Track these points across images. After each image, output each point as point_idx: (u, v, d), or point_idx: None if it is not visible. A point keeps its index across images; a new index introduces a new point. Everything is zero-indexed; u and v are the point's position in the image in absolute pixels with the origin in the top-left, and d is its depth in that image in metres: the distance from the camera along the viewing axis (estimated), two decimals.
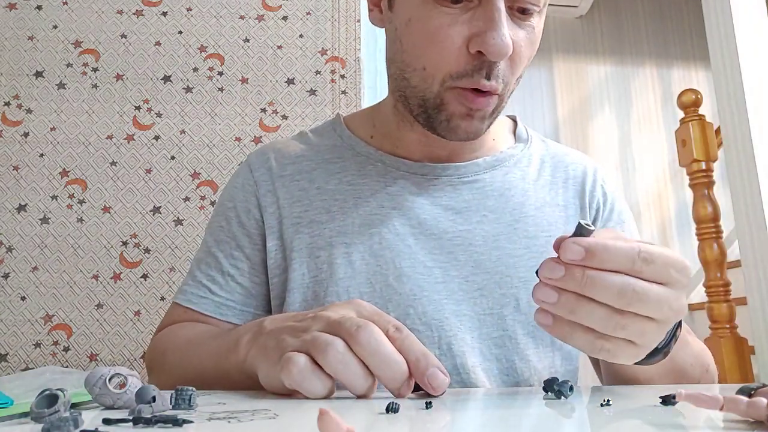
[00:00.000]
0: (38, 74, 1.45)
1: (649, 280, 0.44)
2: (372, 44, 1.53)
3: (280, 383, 0.47)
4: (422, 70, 0.64)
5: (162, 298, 1.36)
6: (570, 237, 0.44)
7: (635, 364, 0.53)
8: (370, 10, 0.72)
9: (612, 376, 0.67)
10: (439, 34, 0.61)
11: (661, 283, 0.44)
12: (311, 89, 1.49)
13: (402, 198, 0.72)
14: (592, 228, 0.44)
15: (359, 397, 0.47)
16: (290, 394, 0.49)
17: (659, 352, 0.51)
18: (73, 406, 0.43)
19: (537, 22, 0.64)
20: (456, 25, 0.60)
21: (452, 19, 0.60)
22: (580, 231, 0.44)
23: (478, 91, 0.63)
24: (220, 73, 1.48)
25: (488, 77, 0.61)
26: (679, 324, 0.53)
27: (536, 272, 0.45)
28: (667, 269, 0.44)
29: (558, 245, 0.44)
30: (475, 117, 0.65)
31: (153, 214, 1.40)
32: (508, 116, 0.84)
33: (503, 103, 0.67)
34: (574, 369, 0.73)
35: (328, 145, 0.78)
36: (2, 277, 1.34)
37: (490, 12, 0.59)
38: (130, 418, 0.36)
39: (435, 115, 0.66)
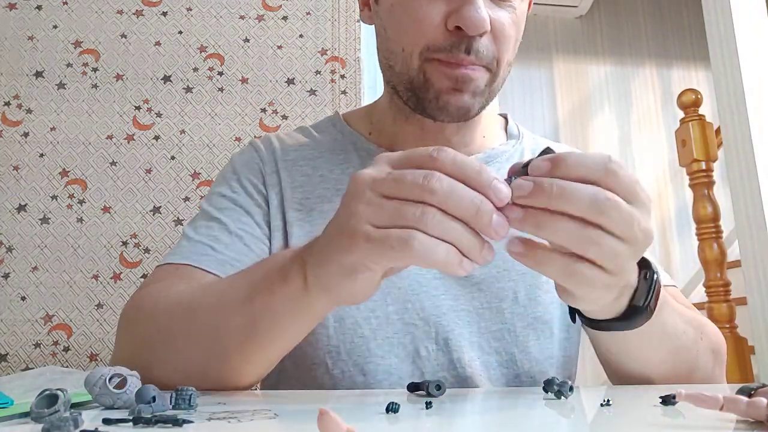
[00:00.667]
0: (38, 74, 1.45)
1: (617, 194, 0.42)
2: (372, 44, 1.52)
3: (371, 283, 0.44)
4: (401, 52, 0.66)
5: None
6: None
7: (623, 327, 0.51)
8: (361, 10, 0.75)
9: (615, 371, 0.65)
10: (419, 13, 0.63)
11: (628, 201, 0.42)
12: (311, 89, 1.49)
13: None
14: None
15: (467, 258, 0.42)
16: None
17: (643, 310, 0.50)
18: (73, 406, 0.43)
19: (518, 3, 0.66)
20: (435, 3, 0.63)
21: None
22: (545, 152, 0.43)
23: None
24: (220, 73, 1.48)
25: (468, 52, 0.63)
26: (658, 283, 0.51)
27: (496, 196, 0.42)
28: (633, 185, 0.43)
29: (514, 169, 0.43)
30: (464, 91, 0.65)
31: (153, 214, 1.40)
32: (500, 114, 0.85)
33: (496, 83, 0.67)
34: (573, 356, 0.73)
35: (329, 139, 0.78)
36: (2, 277, 1.34)
37: None
38: (130, 418, 0.36)
39: (423, 95, 0.66)
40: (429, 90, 0.65)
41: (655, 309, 0.51)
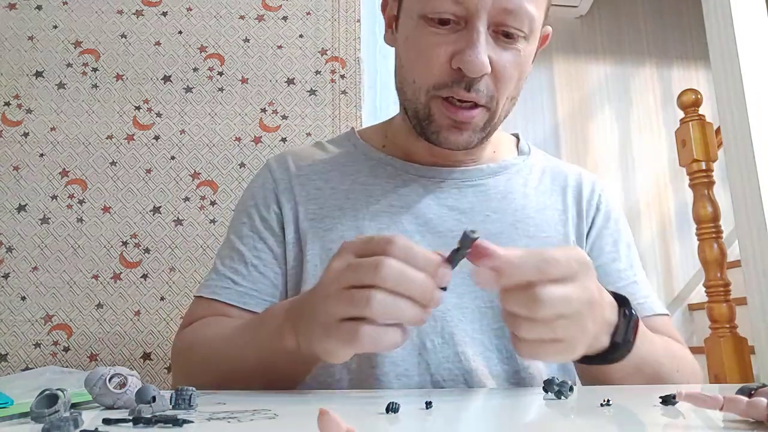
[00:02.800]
0: (38, 74, 1.45)
1: (555, 279, 0.47)
2: (372, 44, 1.53)
3: (347, 354, 0.50)
4: (413, 83, 0.72)
5: (162, 298, 1.36)
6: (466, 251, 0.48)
7: (602, 363, 0.57)
8: (386, 31, 0.80)
9: (587, 378, 0.70)
10: (428, 51, 0.69)
11: (566, 280, 0.47)
12: (311, 89, 1.49)
13: (411, 198, 0.77)
14: (477, 236, 0.47)
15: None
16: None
17: (620, 347, 0.55)
18: (73, 406, 0.43)
19: (524, 46, 0.70)
20: (442, 44, 0.68)
21: (440, 38, 0.68)
22: (465, 238, 0.47)
23: (460, 104, 0.69)
24: (220, 73, 1.48)
25: (468, 89, 0.68)
26: (636, 319, 0.57)
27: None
28: (570, 263, 0.48)
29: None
30: (463, 129, 0.71)
31: (153, 214, 1.40)
32: (512, 134, 0.90)
33: (495, 118, 0.73)
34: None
35: (343, 152, 0.85)
36: (2, 277, 1.34)
37: (470, 33, 0.66)
38: (130, 418, 0.36)
39: (426, 126, 0.72)
40: (432, 123, 0.71)
41: (634, 343, 0.57)
